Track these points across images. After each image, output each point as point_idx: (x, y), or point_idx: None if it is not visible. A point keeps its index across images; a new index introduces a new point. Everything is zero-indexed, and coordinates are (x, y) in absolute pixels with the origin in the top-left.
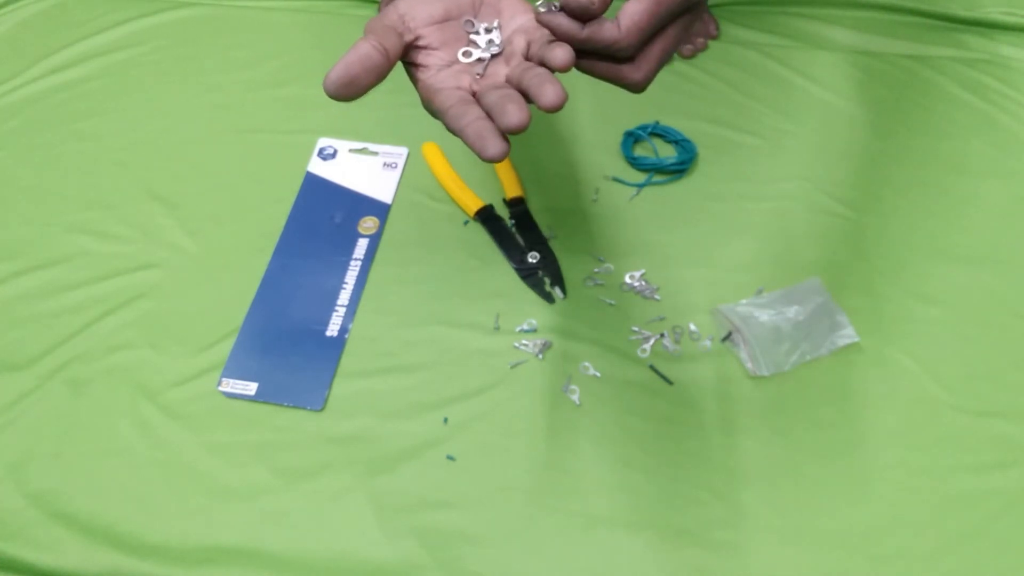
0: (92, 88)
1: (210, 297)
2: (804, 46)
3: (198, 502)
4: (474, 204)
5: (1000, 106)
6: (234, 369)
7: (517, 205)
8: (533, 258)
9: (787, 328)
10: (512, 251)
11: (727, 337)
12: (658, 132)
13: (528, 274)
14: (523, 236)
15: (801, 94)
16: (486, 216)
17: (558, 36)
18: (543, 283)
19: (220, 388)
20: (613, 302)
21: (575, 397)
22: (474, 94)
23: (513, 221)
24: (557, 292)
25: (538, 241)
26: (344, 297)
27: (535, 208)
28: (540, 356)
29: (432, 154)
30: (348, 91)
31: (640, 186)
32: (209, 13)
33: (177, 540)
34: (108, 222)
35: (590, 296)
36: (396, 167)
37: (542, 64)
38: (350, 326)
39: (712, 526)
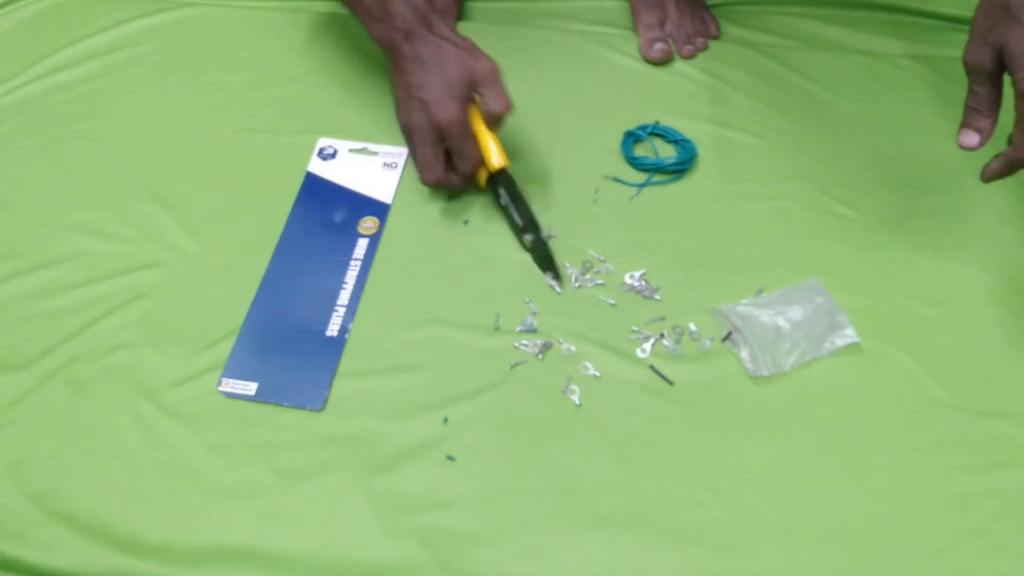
0: (92, 88)
1: (210, 297)
2: (804, 46)
3: (198, 502)
4: (489, 165)
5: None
6: (234, 369)
7: (501, 177)
8: (528, 239)
9: (787, 328)
10: (522, 223)
11: (727, 337)
12: (658, 132)
13: (538, 248)
14: (519, 215)
15: (801, 94)
16: (501, 180)
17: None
18: (552, 261)
19: (220, 388)
20: (613, 302)
21: (575, 397)
22: None
23: (506, 200)
24: (555, 276)
25: (531, 221)
26: (344, 297)
27: (535, 207)
28: (540, 356)
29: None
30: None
31: (640, 186)
32: (209, 13)
33: (177, 540)
34: (108, 222)
35: (590, 296)
36: (396, 167)
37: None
38: (350, 326)
39: (712, 526)
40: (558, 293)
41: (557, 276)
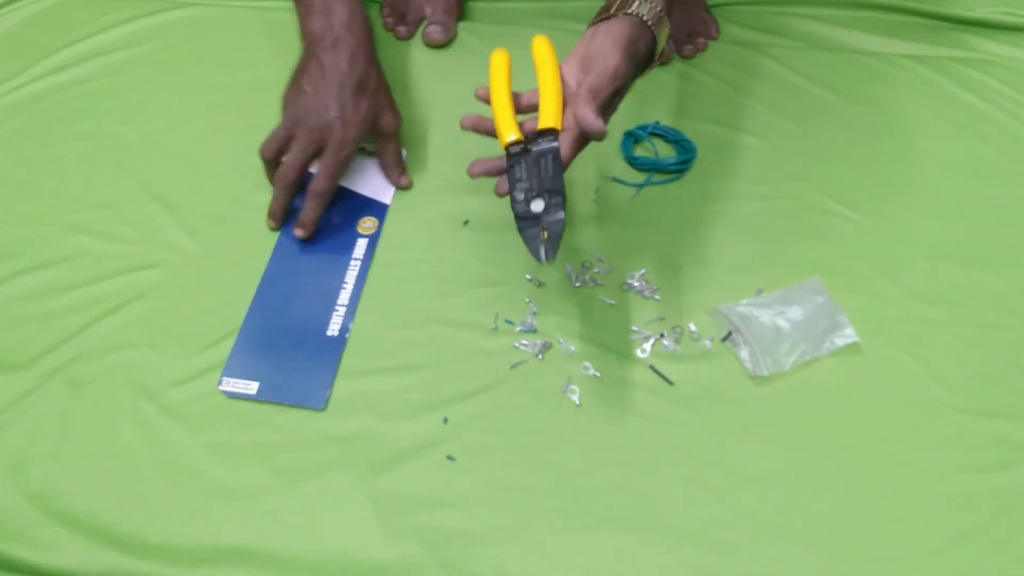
0: (92, 88)
1: (210, 297)
2: (804, 46)
3: (198, 502)
4: (507, 132)
5: (1000, 106)
6: (235, 369)
7: (545, 137)
8: (537, 206)
9: (787, 328)
10: (520, 192)
11: (727, 337)
12: (658, 132)
13: (526, 222)
14: (539, 178)
15: (801, 94)
16: (514, 152)
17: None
18: (539, 238)
19: (221, 388)
20: (613, 302)
21: (575, 397)
22: None
23: (534, 158)
24: (546, 254)
25: (554, 190)
26: (344, 297)
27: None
28: (540, 356)
29: (500, 62)
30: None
31: (640, 186)
32: (209, 13)
33: (177, 540)
34: (108, 222)
35: (590, 296)
36: None
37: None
38: (350, 326)
39: (712, 526)
40: (540, 263)
41: (554, 253)
